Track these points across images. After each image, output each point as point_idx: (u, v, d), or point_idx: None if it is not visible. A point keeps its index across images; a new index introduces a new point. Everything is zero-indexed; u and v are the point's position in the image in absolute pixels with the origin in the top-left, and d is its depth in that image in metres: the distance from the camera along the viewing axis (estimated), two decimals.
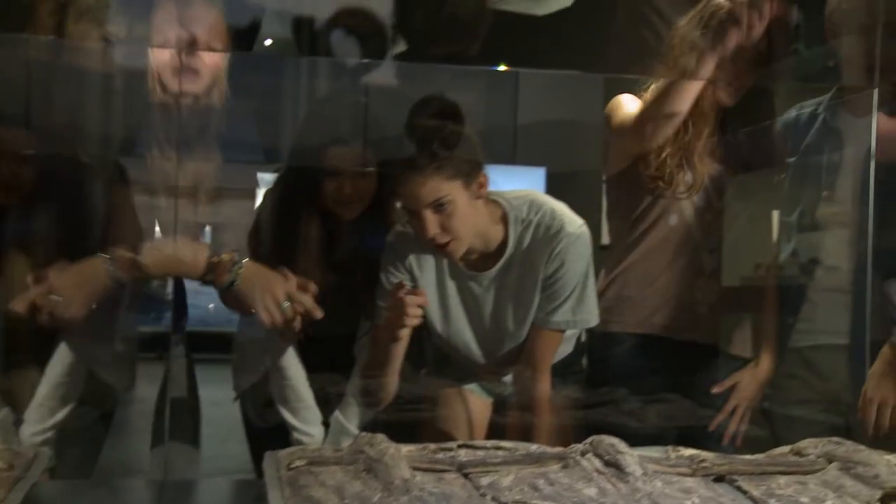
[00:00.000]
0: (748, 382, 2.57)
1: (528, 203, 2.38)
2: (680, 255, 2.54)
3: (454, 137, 2.25)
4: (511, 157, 3.13)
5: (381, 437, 1.77)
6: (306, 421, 2.41)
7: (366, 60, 2.63)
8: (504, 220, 2.37)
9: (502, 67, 2.63)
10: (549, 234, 2.34)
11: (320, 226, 2.44)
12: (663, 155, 2.48)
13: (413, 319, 2.27)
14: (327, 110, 2.65)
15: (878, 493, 1.61)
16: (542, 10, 2.64)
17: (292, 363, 2.41)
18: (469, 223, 2.29)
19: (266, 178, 2.59)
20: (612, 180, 2.65)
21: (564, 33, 2.69)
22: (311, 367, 2.43)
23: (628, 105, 2.50)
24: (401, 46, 2.62)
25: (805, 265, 2.62)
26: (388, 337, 2.31)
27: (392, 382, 2.35)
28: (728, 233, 2.57)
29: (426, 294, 2.31)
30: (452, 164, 2.23)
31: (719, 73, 2.38)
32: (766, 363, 2.58)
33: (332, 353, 2.47)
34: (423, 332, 2.47)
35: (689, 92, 2.36)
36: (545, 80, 3.00)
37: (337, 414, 2.41)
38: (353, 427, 2.38)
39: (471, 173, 2.27)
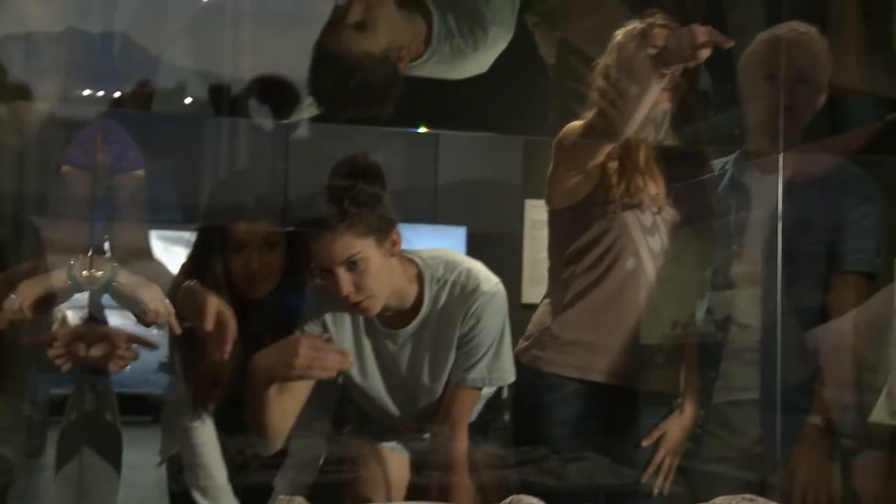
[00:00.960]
0: (675, 431, 2.59)
1: (444, 262, 2.40)
2: (637, 300, 2.54)
3: (365, 195, 2.27)
4: (432, 216, 3.16)
5: (299, 500, 1.76)
6: (216, 501, 2.38)
7: (285, 122, 2.64)
8: (419, 278, 2.38)
9: (422, 129, 2.66)
10: (465, 293, 2.36)
11: (231, 303, 2.39)
12: (624, 174, 2.50)
13: (327, 372, 2.25)
14: (240, 183, 2.63)
15: None
16: (458, 75, 2.68)
17: (206, 441, 2.39)
18: (383, 281, 2.29)
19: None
20: (560, 215, 2.60)
21: (481, 96, 2.73)
22: (230, 429, 2.40)
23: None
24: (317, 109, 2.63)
25: (720, 322, 2.67)
26: (288, 377, 2.27)
27: (280, 428, 2.32)
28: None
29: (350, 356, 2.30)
30: (364, 221, 2.24)
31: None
32: (689, 410, 2.61)
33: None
34: (345, 391, 2.46)
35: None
36: (465, 141, 3.04)
37: (279, 476, 2.40)
38: (294, 492, 2.35)
39: (383, 230, 2.28)
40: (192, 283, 2.31)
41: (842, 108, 2.83)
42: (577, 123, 2.47)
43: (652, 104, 2.37)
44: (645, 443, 2.57)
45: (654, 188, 2.54)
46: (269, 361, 2.23)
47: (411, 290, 2.37)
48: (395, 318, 2.38)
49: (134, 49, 2.54)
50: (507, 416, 2.63)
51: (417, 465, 2.51)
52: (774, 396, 2.53)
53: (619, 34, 2.47)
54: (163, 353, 2.45)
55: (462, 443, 2.40)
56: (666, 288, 2.62)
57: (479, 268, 2.41)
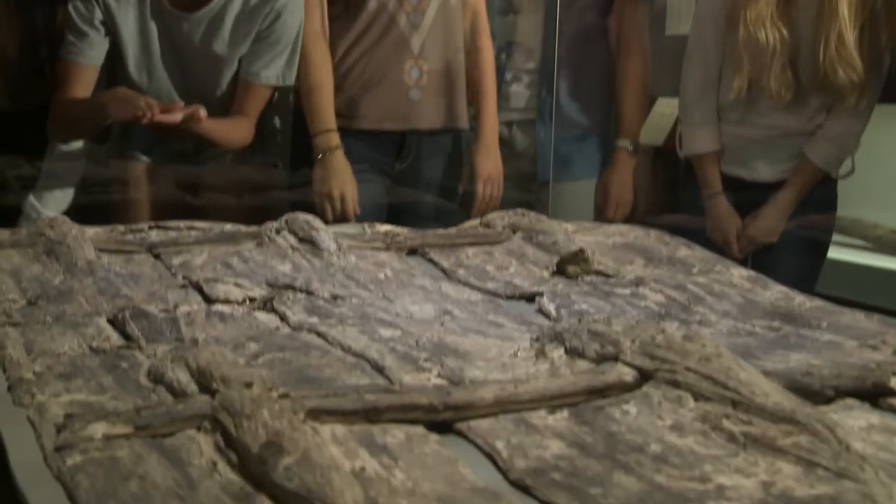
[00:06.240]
0: (483, 157, 2.60)
1: None
2: (385, 37, 2.47)
3: None
4: None
5: (62, 218, 1.69)
6: None
7: None
8: None
9: None
10: None
11: None
12: None
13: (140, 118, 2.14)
14: None
15: (556, 259, 1.72)
16: None
17: None
18: None
19: None
20: None
21: None
22: None
23: None
24: None
25: (502, 47, 2.68)
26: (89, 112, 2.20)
27: None
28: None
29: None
30: None
31: None
32: (489, 132, 2.57)
33: (12, 132, 2.30)
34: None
35: None
36: None
37: (31, 199, 2.26)
38: (50, 212, 2.24)
39: None
40: None
41: None
42: None
43: None
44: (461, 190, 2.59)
45: None
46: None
47: None
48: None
49: None
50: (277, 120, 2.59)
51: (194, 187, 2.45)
52: (550, 117, 2.60)
53: None
54: None
55: (249, 129, 2.36)
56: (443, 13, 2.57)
57: None
